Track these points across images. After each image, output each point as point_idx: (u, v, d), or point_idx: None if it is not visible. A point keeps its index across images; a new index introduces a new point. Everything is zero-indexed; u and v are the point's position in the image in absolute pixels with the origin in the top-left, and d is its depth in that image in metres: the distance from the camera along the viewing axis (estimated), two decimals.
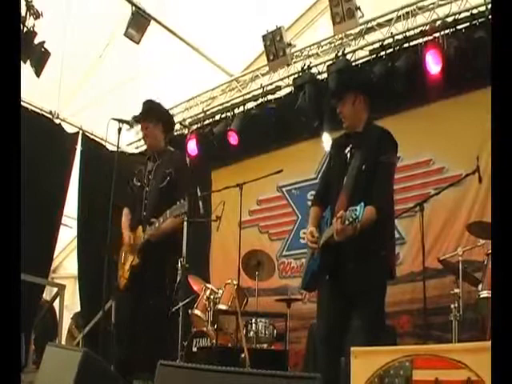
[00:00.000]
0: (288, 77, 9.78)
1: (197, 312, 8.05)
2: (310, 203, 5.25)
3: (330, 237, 4.41)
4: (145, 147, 11.71)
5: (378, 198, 4.34)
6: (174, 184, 5.62)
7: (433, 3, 8.11)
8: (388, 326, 7.19)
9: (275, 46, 9.14)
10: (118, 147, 6.29)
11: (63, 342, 9.97)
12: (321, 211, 4.89)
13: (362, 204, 3.91)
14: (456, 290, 6.08)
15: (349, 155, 4.65)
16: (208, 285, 8.32)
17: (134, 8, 8.88)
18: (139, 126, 6.25)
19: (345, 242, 4.29)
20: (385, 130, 4.76)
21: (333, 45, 9.37)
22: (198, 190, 8.59)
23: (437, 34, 7.87)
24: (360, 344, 3.69)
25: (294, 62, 9.62)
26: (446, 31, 7.81)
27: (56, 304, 9.66)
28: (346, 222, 3.96)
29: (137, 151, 12.03)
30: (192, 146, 10.61)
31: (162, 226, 5.50)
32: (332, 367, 4.35)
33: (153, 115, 6.06)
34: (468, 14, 7.68)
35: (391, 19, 8.52)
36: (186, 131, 11.34)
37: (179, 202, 5.37)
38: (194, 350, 7.65)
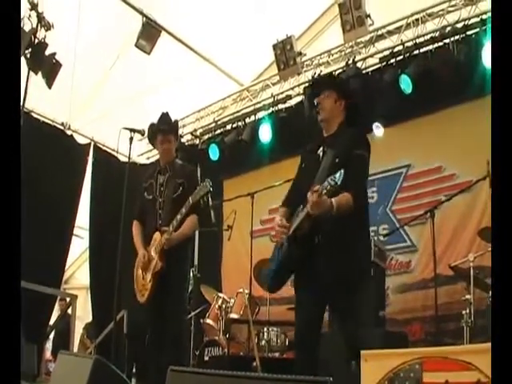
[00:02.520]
0: (299, 86, 9.79)
1: (209, 321, 8.05)
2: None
3: (301, 222, 4.37)
4: (156, 157, 11.78)
5: (353, 186, 4.23)
6: (187, 194, 5.61)
7: (442, 10, 8.11)
8: (400, 333, 7.18)
9: (286, 55, 9.15)
10: (129, 157, 6.31)
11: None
12: (289, 213, 4.79)
13: (342, 171, 3.86)
14: (467, 297, 6.05)
15: (321, 154, 4.63)
16: (220, 294, 8.32)
17: (144, 19, 8.91)
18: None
19: (316, 231, 4.31)
20: (358, 130, 4.78)
21: (343, 53, 9.38)
22: (210, 199, 8.58)
23: (447, 41, 7.87)
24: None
25: (305, 71, 9.64)
26: (456, 37, 7.81)
27: None
28: (324, 191, 3.90)
29: (148, 162, 12.05)
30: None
31: (176, 234, 5.55)
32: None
33: (173, 129, 6.12)
34: (478, 19, 7.67)
35: (401, 26, 8.52)
36: (197, 141, 11.36)
37: (199, 185, 5.47)
38: (206, 358, 7.64)
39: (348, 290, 4.30)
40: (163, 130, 6.00)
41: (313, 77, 8.99)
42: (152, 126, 6.05)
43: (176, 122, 6.28)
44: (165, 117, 6.07)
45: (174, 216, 5.58)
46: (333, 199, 4.06)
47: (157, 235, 5.70)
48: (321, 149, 4.69)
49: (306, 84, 9.47)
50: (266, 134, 9.94)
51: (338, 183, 3.83)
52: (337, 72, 9.21)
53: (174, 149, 6.13)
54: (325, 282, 4.31)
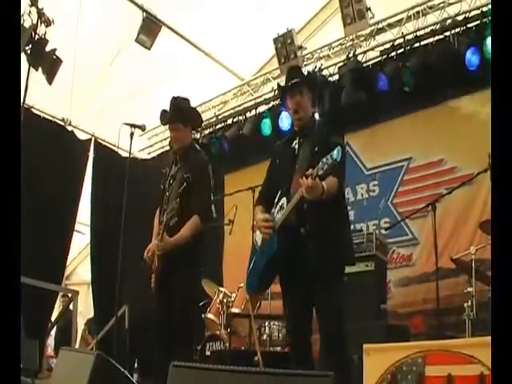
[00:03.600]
0: None
1: (210, 316, 8.02)
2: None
3: (288, 216, 4.33)
4: (157, 153, 11.77)
5: (337, 172, 4.16)
6: (191, 189, 5.49)
7: (443, 2, 8.13)
8: (402, 326, 7.17)
9: (286, 49, 9.16)
10: (130, 152, 6.27)
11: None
12: (266, 210, 4.73)
13: (339, 147, 3.84)
14: (469, 289, 6.03)
15: (297, 146, 4.59)
16: (221, 288, 8.29)
17: (144, 14, 8.91)
18: (152, 132, 6.15)
19: (302, 222, 4.28)
20: (332, 118, 4.78)
21: (344, 46, 9.39)
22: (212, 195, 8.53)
23: (447, 33, 7.86)
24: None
25: (305, 65, 9.62)
26: (457, 30, 7.81)
27: None
28: (321, 172, 3.87)
29: (149, 157, 12.07)
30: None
31: (172, 240, 5.34)
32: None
33: (183, 115, 5.69)
34: (478, 12, 7.67)
35: (402, 19, 8.54)
36: (198, 136, 11.35)
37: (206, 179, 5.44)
38: (208, 353, 7.62)
39: (334, 277, 4.31)
40: (168, 118, 5.78)
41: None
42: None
43: (186, 107, 5.82)
44: (171, 103, 5.74)
45: (178, 214, 5.38)
46: (323, 182, 4.03)
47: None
48: (295, 141, 4.67)
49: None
50: (266, 128, 9.92)
51: (338, 160, 3.80)
52: (337, 65, 9.25)
53: (185, 136, 5.74)
54: (311, 271, 4.29)
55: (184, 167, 5.61)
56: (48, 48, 8.25)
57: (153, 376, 5.69)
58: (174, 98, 5.79)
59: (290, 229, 4.37)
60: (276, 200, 4.58)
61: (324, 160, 3.85)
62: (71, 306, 9.50)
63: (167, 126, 5.93)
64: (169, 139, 6.17)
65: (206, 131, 11.25)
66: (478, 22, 7.66)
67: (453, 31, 7.84)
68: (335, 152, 3.79)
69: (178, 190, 5.46)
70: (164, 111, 5.81)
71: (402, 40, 8.43)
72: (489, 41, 7.25)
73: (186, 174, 5.50)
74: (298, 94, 4.71)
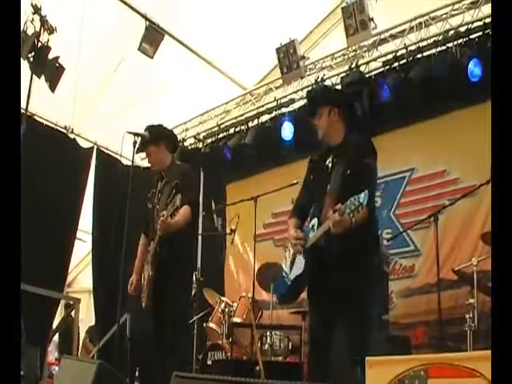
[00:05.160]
0: (302, 89, 9.76)
1: (212, 325, 8.04)
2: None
3: (318, 239, 4.41)
4: None
5: (368, 197, 4.12)
6: (181, 190, 5.57)
7: (445, 13, 8.12)
8: (403, 337, 7.16)
9: (289, 59, 9.14)
10: (132, 161, 6.27)
11: (78, 356, 9.98)
12: (300, 223, 4.86)
13: (367, 191, 3.87)
14: (471, 301, 6.04)
15: (330, 165, 4.66)
16: (223, 298, 8.31)
17: (147, 23, 8.92)
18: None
19: (332, 243, 4.33)
20: (364, 136, 4.81)
21: (346, 57, 9.38)
22: (213, 203, 8.53)
23: (450, 44, 7.87)
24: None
25: (308, 75, 9.61)
26: (459, 41, 7.82)
27: None
28: (348, 211, 3.89)
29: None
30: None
31: (172, 221, 5.38)
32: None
33: (153, 139, 5.92)
34: (481, 23, 7.68)
35: (404, 30, 8.52)
36: (200, 145, 11.36)
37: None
38: (209, 363, 7.63)
39: (360, 295, 4.35)
40: (139, 148, 5.93)
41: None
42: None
43: (154, 130, 6.03)
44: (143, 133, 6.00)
45: None
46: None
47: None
48: (329, 159, 4.70)
49: (309, 88, 9.40)
50: (268, 138, 9.92)
51: (364, 204, 3.83)
52: (340, 76, 9.24)
53: (161, 156, 6.00)
54: (338, 289, 4.33)
55: (170, 180, 5.74)
56: (51, 56, 8.25)
57: None
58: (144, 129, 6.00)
59: (319, 248, 4.44)
60: (310, 212, 4.66)
61: (352, 199, 3.90)
62: (73, 314, 9.51)
63: None
64: None
65: (209, 140, 11.24)
66: (481, 33, 7.66)
67: (455, 42, 7.84)
68: (362, 195, 3.84)
69: (168, 199, 5.56)
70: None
71: (404, 51, 8.43)
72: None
73: (173, 183, 5.63)
74: (316, 115, 4.80)
